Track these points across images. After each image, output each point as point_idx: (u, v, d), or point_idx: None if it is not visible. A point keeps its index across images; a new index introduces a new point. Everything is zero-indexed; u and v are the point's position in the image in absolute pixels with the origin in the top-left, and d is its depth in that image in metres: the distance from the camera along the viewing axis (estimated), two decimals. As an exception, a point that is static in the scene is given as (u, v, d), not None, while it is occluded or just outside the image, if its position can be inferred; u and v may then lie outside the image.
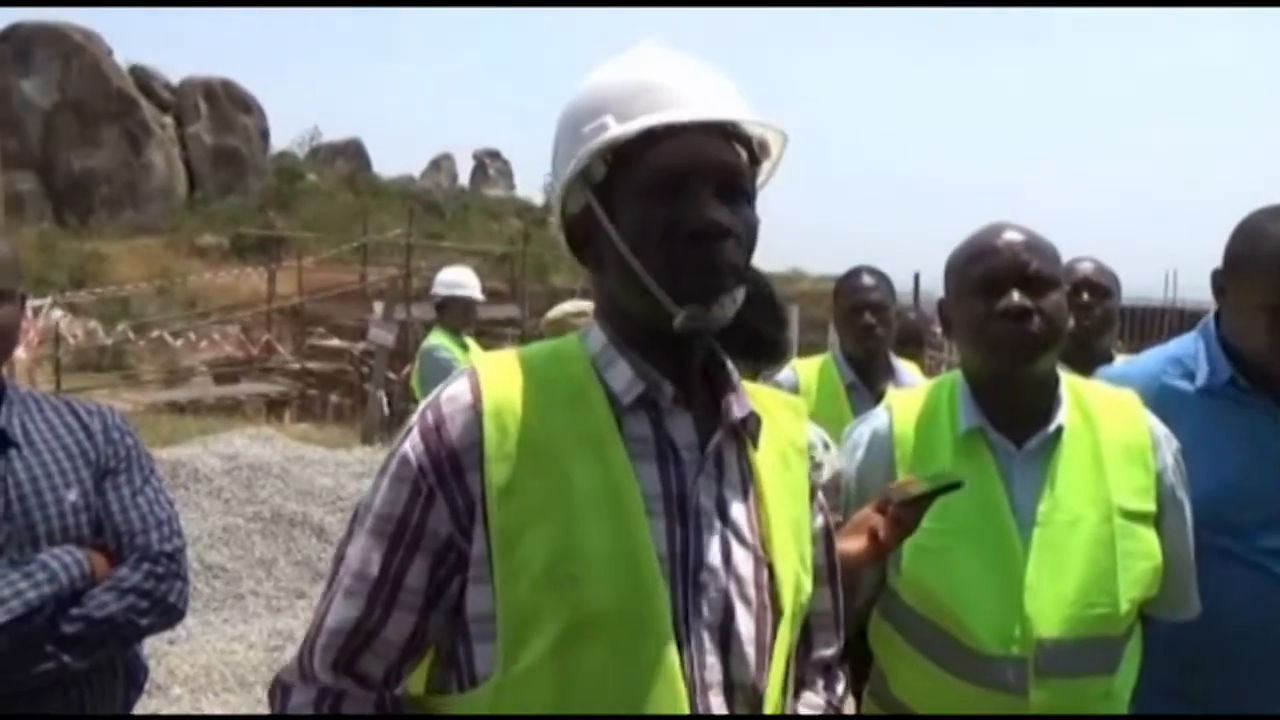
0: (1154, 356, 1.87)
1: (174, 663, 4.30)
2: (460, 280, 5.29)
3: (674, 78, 1.07)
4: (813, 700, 1.23)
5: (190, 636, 4.59)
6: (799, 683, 1.22)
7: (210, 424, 9.89)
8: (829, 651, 1.27)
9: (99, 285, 18.41)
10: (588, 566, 1.00)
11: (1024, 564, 1.51)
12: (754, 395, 1.18)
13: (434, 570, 1.04)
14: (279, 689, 1.08)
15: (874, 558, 1.44)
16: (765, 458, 1.15)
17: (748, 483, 1.13)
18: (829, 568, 1.25)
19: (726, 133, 1.07)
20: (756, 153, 1.12)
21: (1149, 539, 1.55)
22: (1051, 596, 1.49)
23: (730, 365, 1.16)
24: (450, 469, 1.03)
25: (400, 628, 1.05)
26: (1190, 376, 1.76)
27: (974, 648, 1.50)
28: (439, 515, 1.03)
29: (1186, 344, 1.82)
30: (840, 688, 1.27)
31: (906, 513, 1.43)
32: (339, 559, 1.08)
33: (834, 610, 1.27)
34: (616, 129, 1.04)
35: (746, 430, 1.13)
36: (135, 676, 1.73)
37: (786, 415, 1.21)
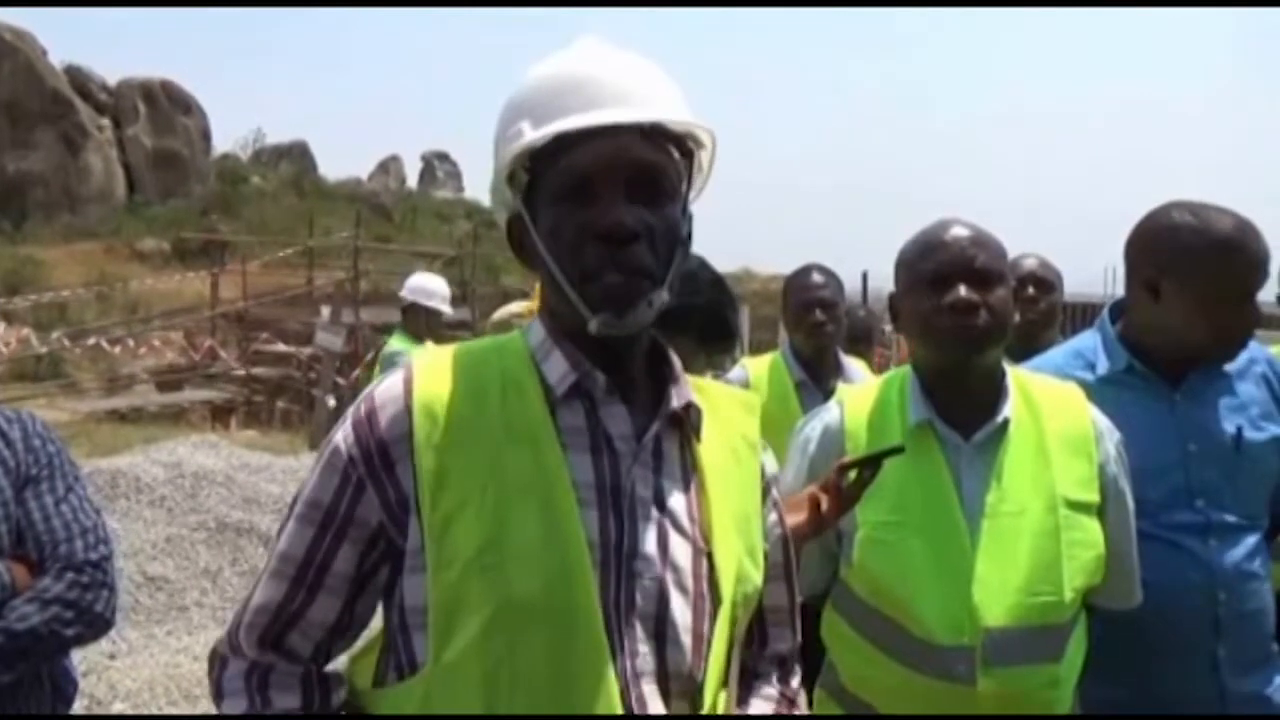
0: (1060, 351, 1.96)
1: (115, 677, 4.18)
2: (430, 289, 5.16)
3: (597, 75, 1.06)
4: (768, 692, 1.23)
5: (133, 650, 4.48)
6: (754, 675, 1.22)
7: (153, 432, 9.66)
8: (784, 646, 1.27)
9: (35, 292, 17.87)
10: (515, 554, 1.01)
11: (972, 555, 1.53)
12: (702, 390, 1.18)
13: (362, 557, 1.07)
14: (217, 659, 1.12)
15: (814, 530, 1.49)
16: (711, 450, 1.14)
17: (689, 474, 1.12)
18: (784, 564, 1.25)
19: (646, 131, 1.05)
20: (690, 148, 1.10)
21: (1093, 529, 1.58)
22: (998, 586, 1.51)
23: (674, 358, 1.15)
24: (380, 460, 1.04)
25: (326, 610, 1.08)
26: (1091, 367, 1.84)
27: (924, 638, 1.52)
28: (369, 504, 1.05)
29: (1086, 339, 1.91)
30: (795, 680, 1.27)
31: (851, 485, 1.49)
32: (277, 538, 1.11)
33: (789, 606, 1.27)
34: (529, 135, 1.04)
35: (688, 421, 1.13)
36: (64, 690, 1.68)
37: (737, 410, 1.21)
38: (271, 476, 6.78)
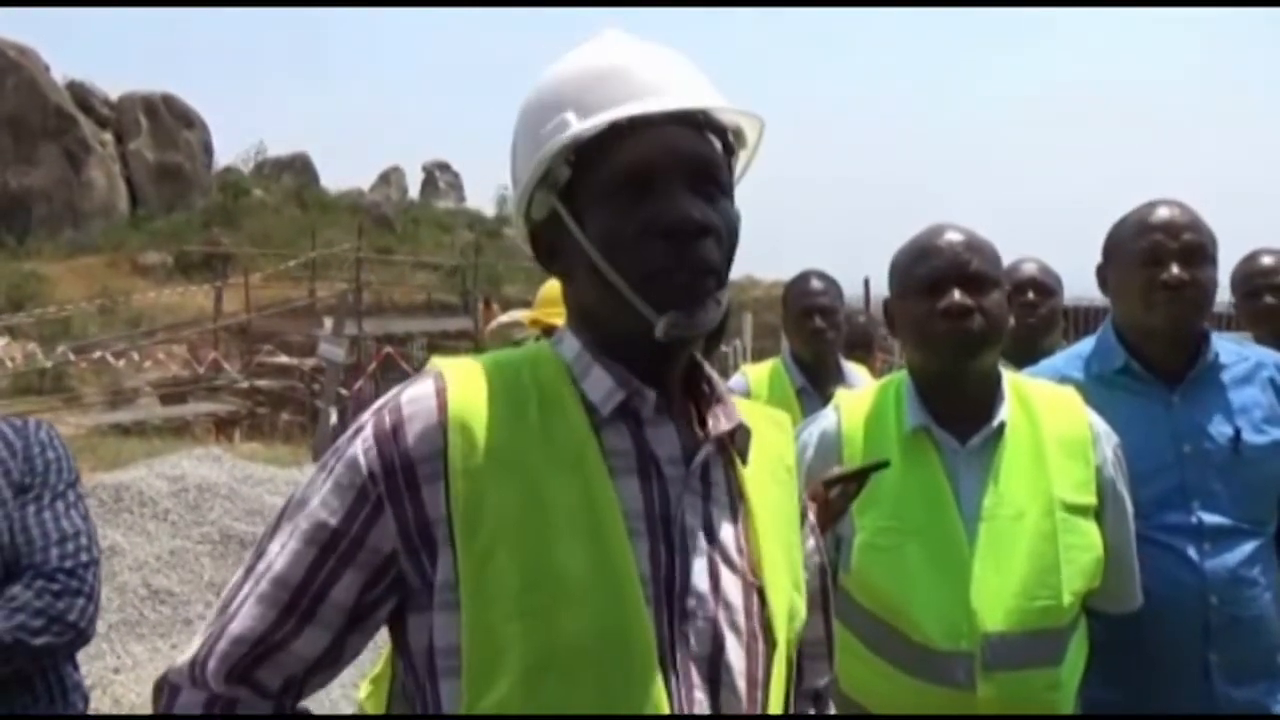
0: (1063, 354, 1.98)
1: (119, 692, 4.19)
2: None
3: (637, 65, 0.98)
4: None
5: (137, 664, 4.48)
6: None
7: (157, 445, 9.67)
8: (821, 681, 1.20)
9: (38, 306, 17.93)
10: (564, 592, 0.90)
11: (970, 559, 1.52)
12: (741, 410, 1.07)
13: (365, 588, 0.93)
14: (166, 688, 0.96)
15: None
16: (755, 475, 1.04)
17: (736, 501, 1.02)
18: (822, 593, 1.17)
19: (698, 122, 0.98)
20: (731, 143, 1.03)
21: (1090, 531, 1.57)
22: (997, 591, 1.51)
23: (715, 375, 1.06)
24: (405, 480, 0.92)
25: (312, 644, 0.94)
26: (1087, 367, 1.86)
27: (923, 644, 1.52)
28: (383, 529, 0.92)
29: (1089, 341, 1.92)
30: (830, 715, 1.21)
31: (837, 498, 1.49)
32: (259, 553, 0.97)
33: (826, 637, 1.19)
34: (577, 126, 0.95)
35: (735, 444, 1.02)
36: (74, 704, 1.68)
37: (774, 432, 1.11)
38: (275, 488, 6.77)
